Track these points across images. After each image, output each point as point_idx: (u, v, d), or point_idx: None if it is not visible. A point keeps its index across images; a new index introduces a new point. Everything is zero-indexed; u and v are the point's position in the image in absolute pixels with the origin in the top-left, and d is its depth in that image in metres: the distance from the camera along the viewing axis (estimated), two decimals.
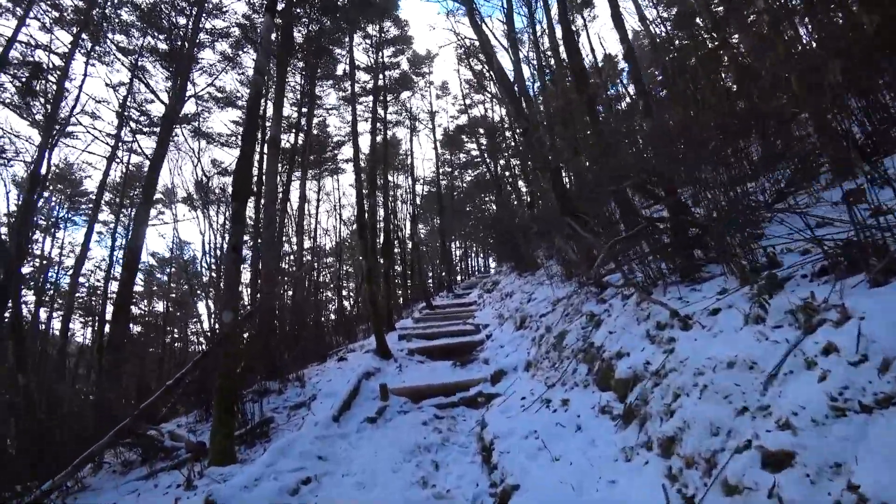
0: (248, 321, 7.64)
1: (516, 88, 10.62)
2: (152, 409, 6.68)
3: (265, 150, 11.14)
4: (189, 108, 17.20)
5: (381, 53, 18.05)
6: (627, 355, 3.58)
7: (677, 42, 14.24)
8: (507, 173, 20.81)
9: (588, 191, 7.59)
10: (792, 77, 4.71)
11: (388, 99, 20.29)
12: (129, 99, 15.20)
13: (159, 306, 29.07)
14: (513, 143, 22.44)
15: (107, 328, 14.32)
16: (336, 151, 21.34)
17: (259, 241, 14.45)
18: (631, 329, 3.86)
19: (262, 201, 9.39)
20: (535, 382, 4.94)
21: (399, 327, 11.11)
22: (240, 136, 17.87)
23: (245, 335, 7.66)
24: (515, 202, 19.86)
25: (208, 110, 16.90)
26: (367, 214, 18.28)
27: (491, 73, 17.22)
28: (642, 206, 6.76)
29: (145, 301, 28.78)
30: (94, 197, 20.18)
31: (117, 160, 15.08)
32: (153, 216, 23.34)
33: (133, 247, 10.94)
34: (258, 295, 10.00)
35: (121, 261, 15.41)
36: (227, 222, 21.74)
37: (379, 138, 21.55)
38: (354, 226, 24.38)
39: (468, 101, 23.48)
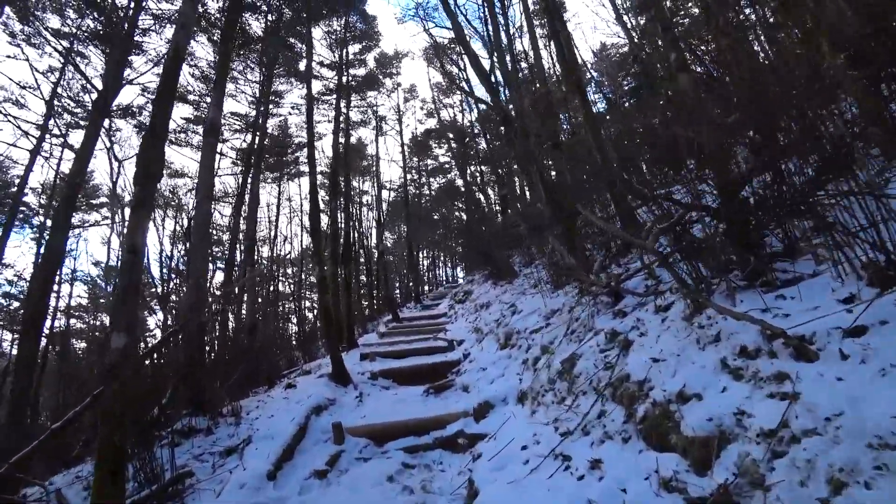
0: (167, 345, 6.12)
1: (493, 79, 9.50)
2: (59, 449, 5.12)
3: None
4: (136, 100, 15.47)
5: (346, 50, 16.71)
6: (698, 398, 2.35)
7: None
8: (477, 178, 19.70)
9: (589, 179, 6.46)
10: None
11: (353, 99, 18.96)
12: (60, 87, 13.38)
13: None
14: (483, 147, 21.43)
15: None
16: (297, 154, 19.75)
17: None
18: (691, 356, 2.63)
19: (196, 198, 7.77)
20: (538, 424, 3.66)
21: (362, 343, 9.68)
22: (152, 104, 16.21)
23: (163, 361, 6.14)
24: (486, 209, 18.72)
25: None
26: (325, 215, 16.82)
27: (463, 69, 16.15)
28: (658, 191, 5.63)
29: (89, 315, 26.17)
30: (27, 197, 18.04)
31: (43, 154, 13.14)
32: (96, 220, 21.17)
33: (51, 251, 9.16)
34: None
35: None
36: (180, 226, 19.79)
37: (342, 139, 20.17)
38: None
39: (437, 106, 22.36)
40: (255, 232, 13.29)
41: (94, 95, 11.57)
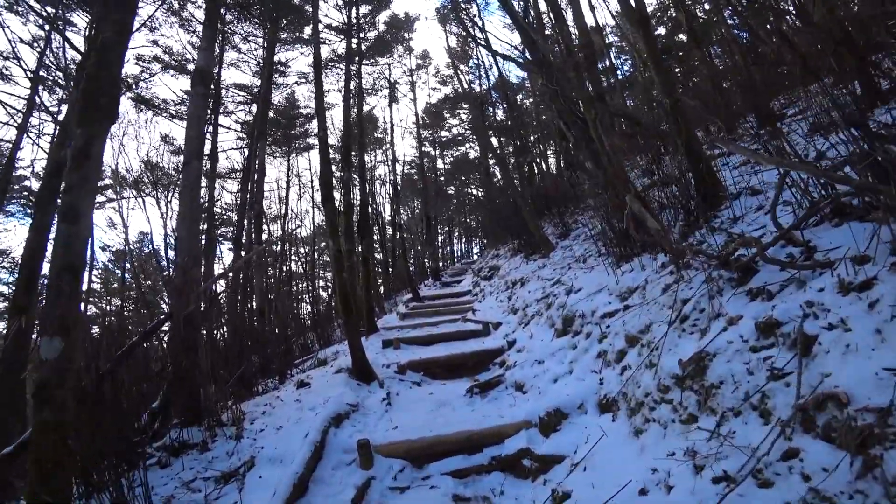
0: (148, 339, 5.03)
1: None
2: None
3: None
4: (130, 69, 14.20)
5: (355, 10, 15.24)
6: None
7: None
8: (497, 150, 18.30)
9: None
10: None
11: (365, 64, 17.55)
12: (46, 57, 12.17)
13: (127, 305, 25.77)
14: (501, 117, 19.94)
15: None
16: (307, 126, 18.47)
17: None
18: None
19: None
20: (653, 451, 2.51)
21: (382, 327, 8.58)
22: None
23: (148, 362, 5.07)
24: (503, 180, 17.35)
25: (150, 72, 13.83)
26: (337, 192, 15.58)
27: (482, 27, 14.61)
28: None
29: (104, 301, 25.44)
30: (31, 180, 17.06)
31: (32, 131, 11.99)
32: (101, 202, 20.16)
33: (38, 233, 8.11)
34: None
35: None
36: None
37: (354, 108, 18.88)
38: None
39: (454, 68, 20.84)
40: (262, 204, 12.12)
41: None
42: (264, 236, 21.93)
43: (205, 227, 12.65)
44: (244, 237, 12.17)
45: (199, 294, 5.26)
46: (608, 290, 4.53)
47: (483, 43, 11.95)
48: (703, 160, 4.89)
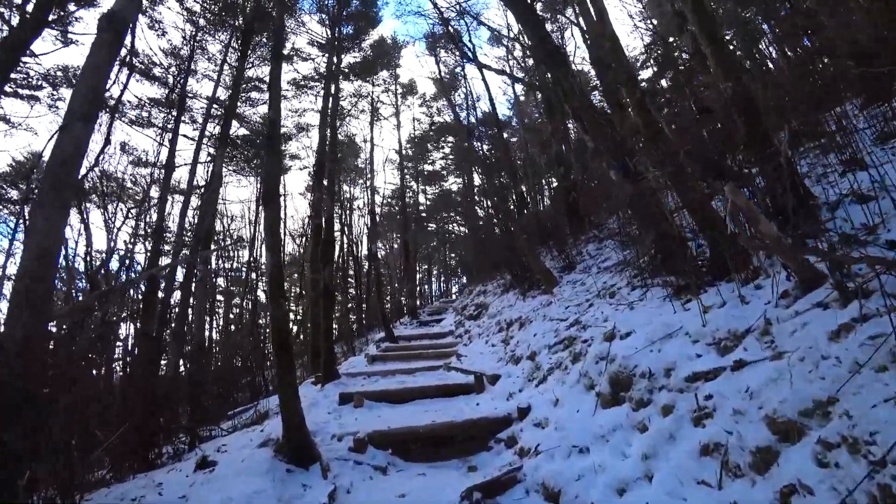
0: None
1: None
2: None
3: None
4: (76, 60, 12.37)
5: (339, 29, 13.96)
6: None
7: None
8: (480, 185, 16.91)
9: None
10: None
11: (346, 84, 16.24)
12: None
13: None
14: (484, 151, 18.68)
15: None
16: (283, 146, 16.80)
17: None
18: None
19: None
20: None
21: (345, 372, 6.65)
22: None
23: None
24: (492, 209, 15.85)
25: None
26: (310, 207, 13.70)
27: (471, 50, 13.40)
28: None
29: None
30: None
31: None
32: None
33: None
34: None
35: None
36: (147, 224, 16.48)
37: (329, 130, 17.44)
38: (304, 237, 19.86)
39: (438, 103, 19.72)
40: (213, 218, 10.19)
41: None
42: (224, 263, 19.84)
43: (150, 245, 10.66)
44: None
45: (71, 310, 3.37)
46: (687, 336, 2.83)
47: (471, 56, 10.62)
48: (787, 160, 3.36)
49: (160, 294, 7.93)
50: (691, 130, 4.71)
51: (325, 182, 9.59)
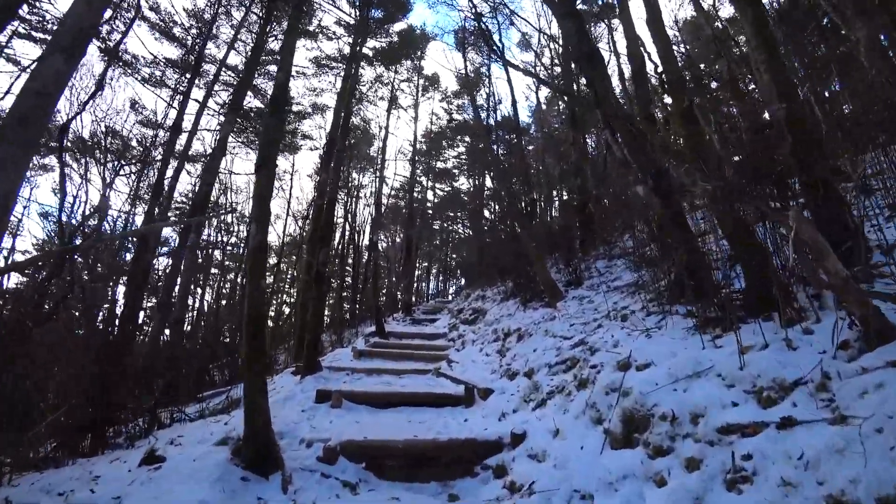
0: None
1: None
2: None
3: None
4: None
5: (367, 11, 13.55)
6: None
7: None
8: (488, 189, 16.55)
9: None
10: None
11: (368, 70, 15.90)
12: None
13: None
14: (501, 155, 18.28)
15: None
16: (296, 124, 16.39)
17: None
18: None
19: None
20: None
21: (328, 365, 6.24)
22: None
23: None
24: (502, 213, 15.42)
25: (127, 22, 11.56)
26: (315, 188, 13.24)
27: (500, 48, 12.98)
28: None
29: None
30: None
31: None
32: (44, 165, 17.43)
33: None
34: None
35: None
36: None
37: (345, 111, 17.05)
38: (307, 219, 19.49)
39: (459, 101, 19.33)
40: (212, 186, 9.76)
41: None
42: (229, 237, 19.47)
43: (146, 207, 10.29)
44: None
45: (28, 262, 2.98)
46: (720, 378, 2.42)
47: (500, 54, 10.20)
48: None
49: (148, 259, 7.54)
50: (741, 149, 4.28)
51: (332, 164, 9.22)
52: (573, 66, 10.33)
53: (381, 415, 4.18)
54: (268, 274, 22.46)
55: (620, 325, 4.32)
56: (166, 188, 8.61)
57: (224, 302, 18.46)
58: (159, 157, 12.13)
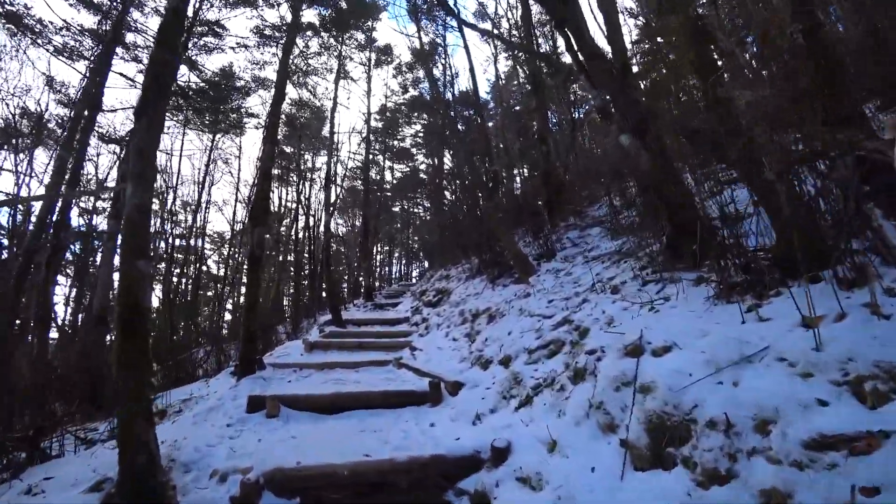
0: None
1: None
2: None
3: None
4: None
5: None
6: None
7: None
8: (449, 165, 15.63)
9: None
10: None
11: (315, 39, 14.63)
12: None
13: None
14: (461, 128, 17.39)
15: None
16: (240, 101, 14.88)
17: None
18: None
19: None
20: None
21: (272, 362, 5.32)
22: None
23: None
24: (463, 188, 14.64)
25: None
26: (258, 160, 11.89)
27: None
28: None
29: None
30: None
31: None
32: None
33: None
34: None
35: None
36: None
37: (293, 92, 15.70)
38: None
39: (412, 75, 18.21)
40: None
41: None
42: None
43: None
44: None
45: None
46: (785, 363, 1.71)
47: (456, 14, 9.26)
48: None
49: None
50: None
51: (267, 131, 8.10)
52: (534, 22, 9.54)
53: (328, 423, 3.34)
54: (219, 265, 20.95)
55: (611, 297, 3.62)
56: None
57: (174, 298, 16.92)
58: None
